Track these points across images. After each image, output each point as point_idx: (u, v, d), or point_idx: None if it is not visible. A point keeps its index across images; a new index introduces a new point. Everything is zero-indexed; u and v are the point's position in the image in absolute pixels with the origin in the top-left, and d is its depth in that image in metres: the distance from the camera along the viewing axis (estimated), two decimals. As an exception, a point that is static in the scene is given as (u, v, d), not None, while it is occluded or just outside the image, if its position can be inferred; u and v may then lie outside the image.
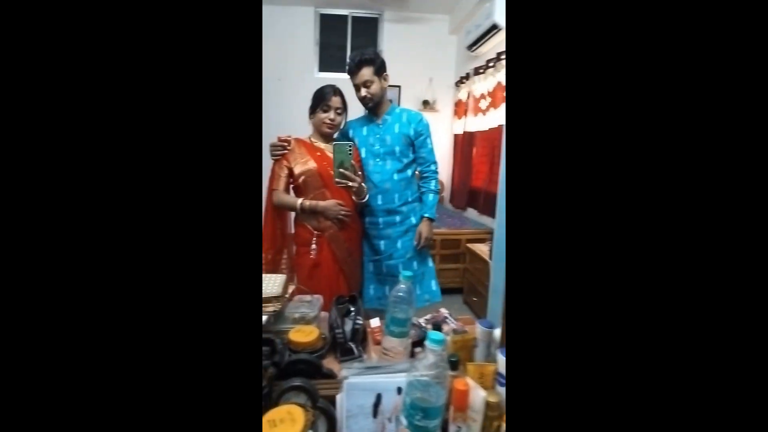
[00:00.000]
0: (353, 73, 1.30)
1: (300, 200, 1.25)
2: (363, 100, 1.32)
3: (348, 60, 1.32)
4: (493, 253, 1.86)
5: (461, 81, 3.44)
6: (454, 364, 0.67)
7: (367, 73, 1.28)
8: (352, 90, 1.34)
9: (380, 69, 1.30)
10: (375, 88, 1.30)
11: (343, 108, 1.30)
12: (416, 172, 1.44)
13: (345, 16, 3.69)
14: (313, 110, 1.29)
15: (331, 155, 1.24)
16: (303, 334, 0.78)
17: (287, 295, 0.89)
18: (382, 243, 1.40)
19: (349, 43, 3.73)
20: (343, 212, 1.26)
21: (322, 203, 1.24)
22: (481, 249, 2.38)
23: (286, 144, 1.28)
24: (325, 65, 3.75)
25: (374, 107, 1.36)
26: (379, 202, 1.37)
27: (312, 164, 1.26)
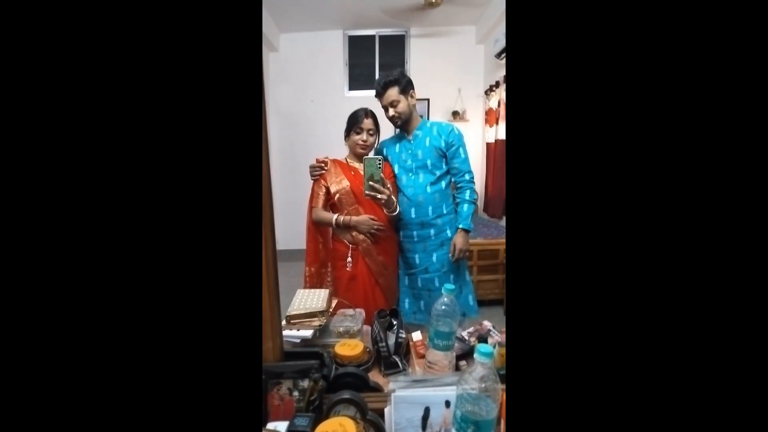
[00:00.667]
0: (380, 95, 1.34)
1: (335, 216, 1.31)
2: (392, 119, 1.36)
3: (375, 83, 1.37)
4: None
5: (491, 89, 3.41)
6: (503, 377, 0.66)
7: (393, 93, 1.32)
8: (381, 111, 1.39)
9: (406, 88, 1.34)
10: (402, 107, 1.33)
11: (376, 129, 1.35)
12: (452, 184, 1.44)
13: (372, 36, 3.80)
14: (347, 133, 1.36)
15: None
16: (348, 348, 0.79)
17: (331, 310, 0.92)
18: (417, 257, 1.40)
19: (378, 61, 3.83)
20: (375, 226, 1.29)
21: (355, 218, 1.30)
22: (521, 258, 2.31)
23: (323, 165, 1.35)
24: (354, 84, 3.87)
25: (404, 125, 1.39)
26: (413, 215, 1.38)
27: (346, 183, 1.32)
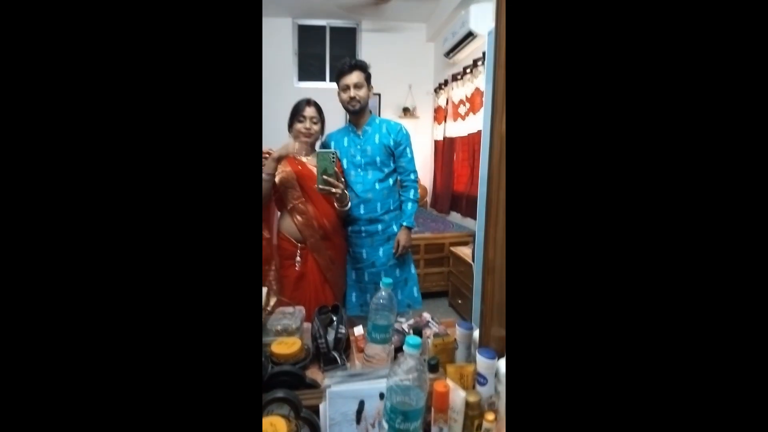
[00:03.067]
0: (345, 73, 1.33)
1: (265, 173, 1.26)
2: (350, 101, 1.35)
3: (340, 63, 1.37)
4: (475, 254, 1.89)
5: (440, 87, 3.50)
6: (434, 367, 0.69)
7: (357, 76, 1.33)
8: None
9: (369, 77, 1.37)
10: (363, 92, 1.35)
11: (320, 118, 1.33)
12: (398, 181, 1.47)
13: (323, 27, 3.72)
14: (290, 124, 1.33)
15: (312, 168, 1.27)
16: (285, 346, 0.78)
17: (269, 308, 0.89)
18: (364, 251, 1.41)
19: (328, 53, 3.76)
20: (304, 133, 1.29)
21: (280, 149, 1.28)
22: (465, 252, 2.41)
23: (266, 156, 1.30)
24: (304, 74, 3.78)
25: (356, 115, 1.39)
26: (362, 211, 1.39)
27: (292, 176, 1.28)
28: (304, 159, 1.33)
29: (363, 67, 1.35)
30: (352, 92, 1.33)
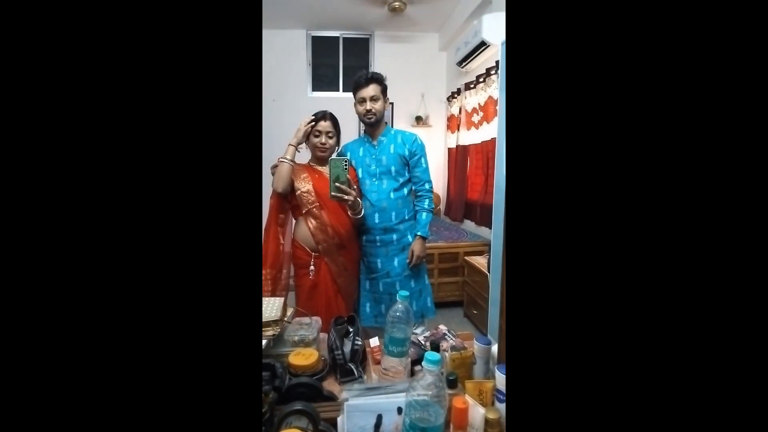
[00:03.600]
0: (361, 86, 1.35)
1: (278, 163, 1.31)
2: (367, 113, 1.36)
3: (357, 76, 1.39)
4: (491, 265, 1.87)
5: (453, 96, 3.51)
6: (452, 382, 0.68)
7: (374, 89, 1.35)
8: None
9: (385, 90, 1.39)
10: (379, 105, 1.37)
11: (335, 131, 1.34)
12: (412, 191, 1.47)
13: (336, 38, 3.78)
14: (306, 137, 1.34)
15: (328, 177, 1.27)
16: (303, 357, 0.78)
17: (286, 318, 0.90)
18: (378, 261, 1.42)
19: (342, 63, 3.82)
20: (307, 123, 1.30)
21: (290, 149, 1.32)
22: (479, 262, 2.39)
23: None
24: (318, 84, 3.83)
25: (373, 126, 1.40)
26: (377, 220, 1.39)
27: (309, 181, 1.31)
28: (320, 169, 1.34)
29: (379, 80, 1.37)
30: (369, 105, 1.35)
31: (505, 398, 0.64)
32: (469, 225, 3.24)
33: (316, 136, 1.31)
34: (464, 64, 2.91)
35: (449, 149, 3.69)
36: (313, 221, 1.30)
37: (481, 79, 2.77)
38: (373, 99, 1.35)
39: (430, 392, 0.53)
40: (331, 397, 0.71)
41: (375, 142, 1.42)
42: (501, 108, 1.70)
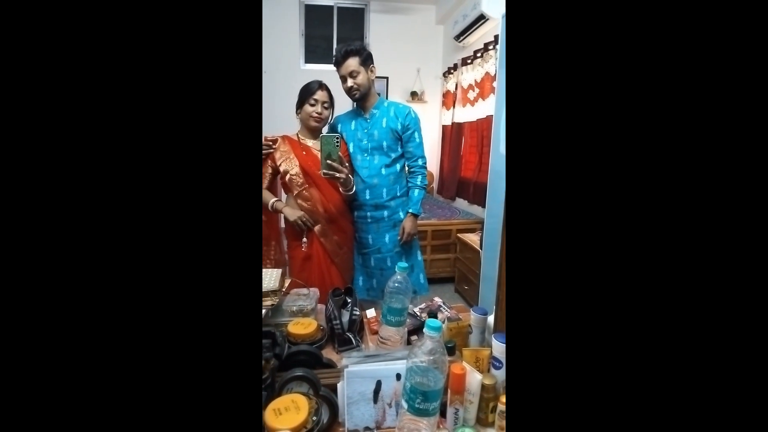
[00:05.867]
0: (339, 63, 1.29)
1: (272, 200, 1.29)
2: (350, 90, 1.31)
3: (334, 52, 1.32)
4: (484, 242, 1.89)
5: (449, 72, 3.44)
6: (451, 350, 0.70)
7: (353, 63, 1.27)
8: (338, 85, 1.34)
9: (366, 60, 1.30)
10: (361, 78, 1.29)
11: (330, 102, 1.30)
12: (405, 166, 1.45)
13: (330, 7, 3.64)
14: (300, 105, 1.30)
15: (316, 152, 1.25)
16: (302, 326, 0.79)
17: (284, 289, 0.90)
18: (370, 237, 1.41)
19: (336, 34, 3.69)
20: (302, 221, 1.28)
21: (287, 210, 1.28)
22: (472, 239, 2.41)
23: (271, 143, 1.30)
24: (311, 56, 3.72)
25: (361, 100, 1.35)
26: (367, 197, 1.37)
27: (296, 162, 1.28)
28: (309, 143, 1.31)
29: (357, 51, 1.28)
30: (350, 82, 1.29)
31: (501, 365, 0.66)
32: (461, 203, 3.25)
33: (312, 105, 1.26)
34: (462, 38, 2.84)
35: (444, 126, 3.66)
36: (304, 203, 1.29)
37: (479, 54, 2.72)
38: (352, 75, 1.28)
39: (431, 358, 0.54)
40: (331, 365, 0.72)
41: (367, 115, 1.37)
42: (499, 86, 1.67)
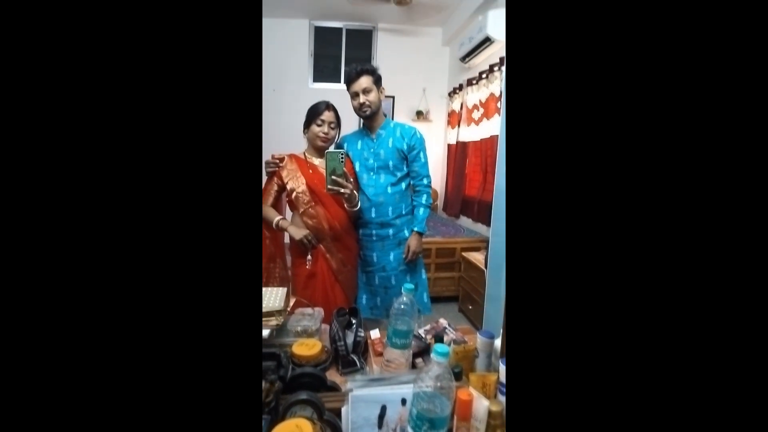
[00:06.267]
0: (353, 80, 1.33)
1: (277, 218, 1.30)
2: (361, 107, 1.34)
3: (347, 70, 1.36)
4: (489, 261, 1.88)
5: (454, 92, 3.50)
6: (458, 375, 0.69)
7: (366, 81, 1.31)
8: (346, 105, 1.38)
9: (378, 80, 1.35)
10: (373, 96, 1.33)
11: (337, 123, 1.33)
12: (410, 185, 1.47)
13: (339, 29, 3.74)
14: (307, 125, 1.32)
15: (323, 171, 1.27)
16: (306, 348, 0.79)
17: (288, 309, 0.90)
18: (374, 255, 1.41)
19: (344, 55, 3.78)
20: (308, 239, 1.28)
21: (292, 228, 1.28)
22: (476, 258, 2.40)
23: (278, 161, 1.32)
24: (319, 75, 3.80)
25: (370, 119, 1.38)
26: (373, 215, 1.38)
27: (303, 180, 1.29)
28: (316, 162, 1.33)
29: (371, 71, 1.33)
30: (362, 98, 1.32)
31: (506, 390, 0.64)
32: (465, 221, 3.25)
33: (319, 125, 1.29)
34: (467, 59, 2.90)
35: (449, 145, 3.69)
36: (309, 221, 1.30)
37: (484, 75, 2.77)
38: (365, 91, 1.32)
39: (438, 384, 0.54)
40: (335, 388, 0.71)
41: (373, 135, 1.40)
42: (504, 106, 1.70)
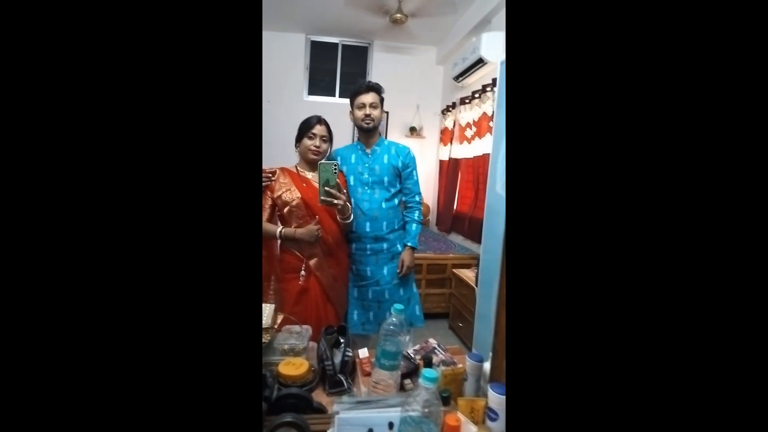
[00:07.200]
0: (361, 93, 1.38)
1: (279, 228, 1.28)
2: (364, 119, 1.38)
3: (358, 83, 1.42)
4: (480, 279, 1.88)
5: (447, 109, 3.55)
6: (446, 399, 0.68)
7: (373, 97, 1.38)
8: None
9: (382, 101, 1.42)
10: (377, 112, 1.39)
11: (329, 137, 1.34)
12: (401, 202, 1.49)
13: (335, 44, 3.80)
14: (299, 139, 1.33)
15: (316, 184, 1.26)
16: (293, 367, 0.77)
17: (276, 326, 0.89)
18: (368, 269, 1.42)
19: (339, 69, 3.83)
20: (316, 233, 1.27)
21: (299, 230, 1.27)
22: (467, 275, 2.40)
23: (270, 175, 1.31)
24: (314, 89, 3.83)
25: (367, 134, 1.41)
26: (368, 229, 1.40)
27: (297, 194, 1.28)
28: (309, 175, 1.33)
29: (378, 90, 1.40)
30: (368, 110, 1.37)
31: (496, 417, 0.64)
32: (457, 238, 3.26)
33: (311, 139, 1.29)
34: (461, 79, 2.96)
35: (441, 161, 3.73)
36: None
37: (477, 95, 2.82)
38: (372, 105, 1.37)
39: (426, 409, 0.53)
40: (321, 409, 0.70)
41: (369, 151, 1.43)
42: (497, 125, 1.73)
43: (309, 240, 1.26)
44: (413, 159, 1.48)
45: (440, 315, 2.66)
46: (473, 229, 2.83)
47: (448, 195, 3.42)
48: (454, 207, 3.30)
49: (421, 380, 0.53)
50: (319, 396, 0.78)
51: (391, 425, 0.61)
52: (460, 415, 0.62)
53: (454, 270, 2.58)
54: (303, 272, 1.28)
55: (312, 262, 1.29)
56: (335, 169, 1.19)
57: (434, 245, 2.96)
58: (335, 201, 1.20)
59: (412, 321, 1.48)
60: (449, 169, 3.41)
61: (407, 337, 1.35)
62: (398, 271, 1.42)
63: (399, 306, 0.78)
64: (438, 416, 0.54)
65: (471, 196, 2.97)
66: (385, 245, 1.42)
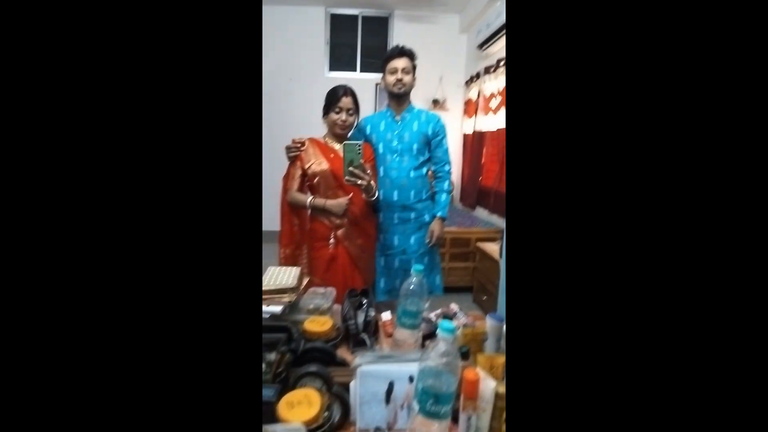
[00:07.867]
0: (394, 57, 1.36)
1: (309, 198, 1.30)
2: (396, 83, 1.37)
3: (390, 50, 1.41)
4: (504, 252, 1.86)
5: (471, 80, 3.44)
6: (465, 355, 0.69)
7: (406, 62, 1.37)
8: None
9: (414, 67, 1.40)
10: (409, 78, 1.38)
11: (355, 109, 1.33)
12: (429, 172, 1.47)
13: (355, 16, 3.72)
14: (326, 111, 1.33)
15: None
16: (317, 324, 0.80)
17: (302, 287, 0.92)
18: (396, 238, 1.43)
19: (360, 43, 3.76)
20: (346, 206, 1.29)
21: (329, 201, 1.29)
22: (492, 248, 2.38)
23: (300, 145, 1.32)
24: (335, 64, 3.79)
25: (398, 100, 1.40)
26: (395, 198, 1.40)
27: (326, 165, 1.30)
28: (336, 146, 1.34)
29: (411, 56, 1.38)
30: (400, 75, 1.36)
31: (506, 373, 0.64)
32: (482, 212, 3.22)
33: (337, 113, 1.29)
34: (485, 47, 2.84)
35: (465, 135, 3.64)
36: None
37: (501, 63, 2.71)
38: (404, 71, 1.36)
39: (444, 360, 0.54)
40: (344, 364, 0.73)
41: (398, 118, 1.42)
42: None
43: (338, 212, 1.29)
44: (443, 127, 1.45)
45: (464, 289, 2.67)
46: (499, 203, 2.78)
47: (472, 170, 3.35)
48: (480, 182, 3.24)
49: (438, 331, 0.54)
50: (344, 353, 0.81)
51: (411, 379, 0.63)
52: (479, 370, 0.63)
53: (478, 244, 2.56)
54: (332, 240, 1.31)
55: (340, 231, 1.31)
56: (359, 148, 1.19)
57: (458, 220, 2.94)
58: (359, 181, 1.21)
59: (432, 289, 1.49)
60: (474, 143, 3.33)
61: (426, 303, 1.38)
62: (427, 241, 1.42)
63: (419, 266, 0.79)
64: (456, 368, 0.55)
65: (496, 169, 2.90)
66: (412, 214, 1.42)
